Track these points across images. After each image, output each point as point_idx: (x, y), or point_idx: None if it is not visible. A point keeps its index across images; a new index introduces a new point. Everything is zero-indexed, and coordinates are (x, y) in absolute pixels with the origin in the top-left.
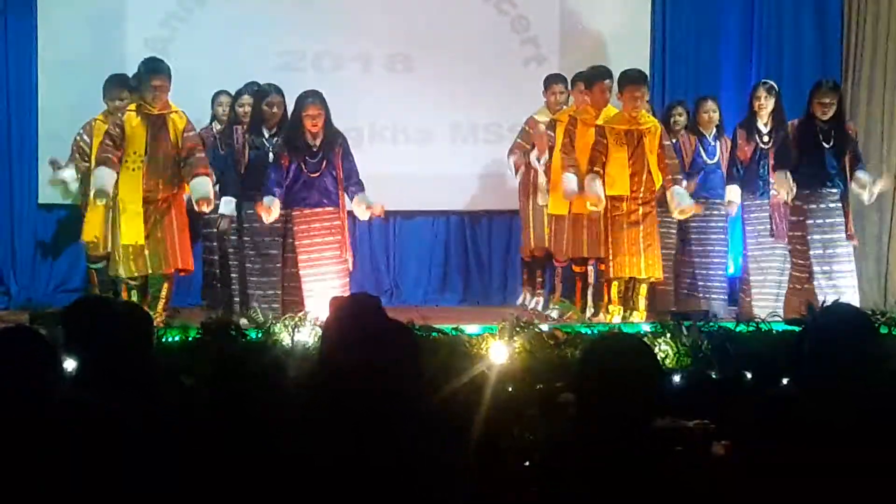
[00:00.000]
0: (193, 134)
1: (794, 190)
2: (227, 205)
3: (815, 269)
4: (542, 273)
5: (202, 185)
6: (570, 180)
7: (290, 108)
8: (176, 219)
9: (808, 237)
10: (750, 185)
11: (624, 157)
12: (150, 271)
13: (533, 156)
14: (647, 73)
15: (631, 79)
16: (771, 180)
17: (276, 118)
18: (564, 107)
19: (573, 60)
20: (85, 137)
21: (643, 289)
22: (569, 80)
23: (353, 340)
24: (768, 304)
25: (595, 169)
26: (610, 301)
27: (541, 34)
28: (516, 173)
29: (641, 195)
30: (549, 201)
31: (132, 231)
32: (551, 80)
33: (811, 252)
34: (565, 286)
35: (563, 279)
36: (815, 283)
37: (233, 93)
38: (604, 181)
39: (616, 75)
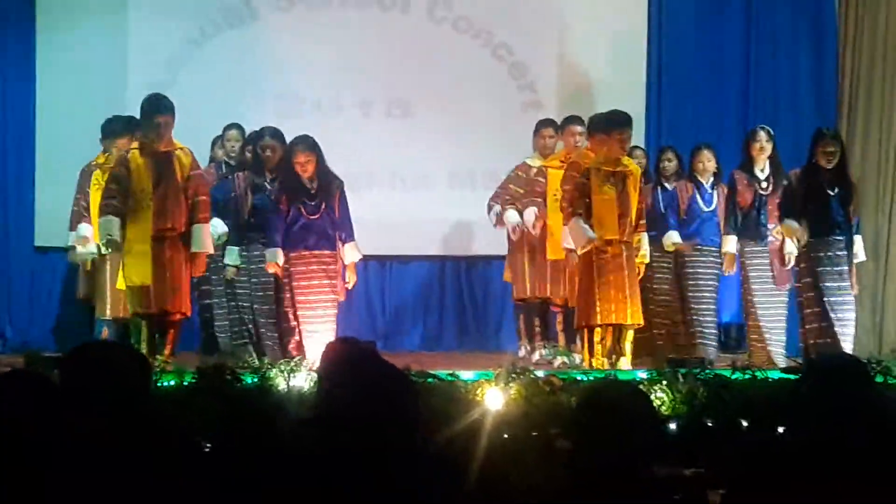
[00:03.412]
0: (198, 174)
1: (805, 237)
2: (231, 254)
3: (832, 316)
4: (541, 320)
5: (201, 235)
6: (585, 228)
7: None
8: (184, 260)
9: (822, 285)
10: (750, 231)
11: (612, 199)
12: (155, 310)
13: (528, 217)
14: (644, 116)
15: (619, 122)
16: (770, 226)
17: (273, 162)
18: (554, 152)
19: (571, 105)
20: (81, 202)
21: (630, 335)
22: (558, 123)
23: (351, 386)
24: (780, 350)
25: (579, 212)
26: (591, 349)
27: (538, 80)
28: (497, 225)
29: (626, 238)
30: (547, 246)
31: (138, 271)
32: (541, 125)
33: (828, 299)
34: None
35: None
36: (837, 329)
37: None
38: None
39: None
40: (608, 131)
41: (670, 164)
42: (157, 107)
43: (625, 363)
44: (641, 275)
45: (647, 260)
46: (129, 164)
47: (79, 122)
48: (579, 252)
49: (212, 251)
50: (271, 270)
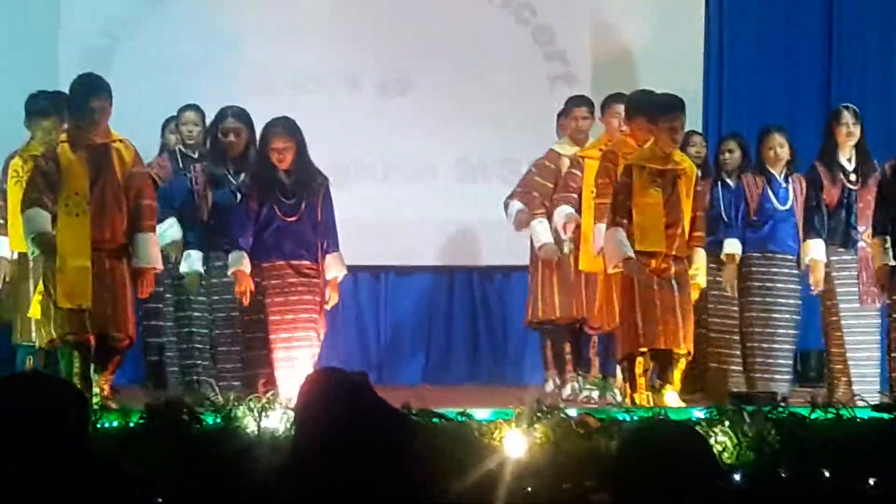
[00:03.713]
0: (141, 171)
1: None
2: (188, 259)
3: None
4: (572, 346)
5: (146, 247)
6: (624, 243)
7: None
8: (127, 276)
9: None
10: (835, 236)
11: (658, 204)
12: (90, 333)
13: (558, 219)
14: (701, 96)
15: (667, 106)
16: (860, 228)
17: (237, 149)
18: (588, 137)
19: (609, 80)
20: None
21: (681, 364)
22: (594, 103)
23: (334, 427)
24: (872, 386)
25: (621, 220)
26: (633, 382)
27: (569, 47)
28: (521, 227)
29: (675, 251)
30: (580, 255)
31: (77, 291)
32: (573, 103)
33: None
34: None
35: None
36: None
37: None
38: (629, 234)
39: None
40: (654, 118)
41: (732, 157)
42: (91, 88)
43: (672, 397)
44: (694, 299)
45: (703, 284)
46: (59, 160)
47: (3, 100)
48: (610, 271)
49: (160, 267)
50: (239, 285)
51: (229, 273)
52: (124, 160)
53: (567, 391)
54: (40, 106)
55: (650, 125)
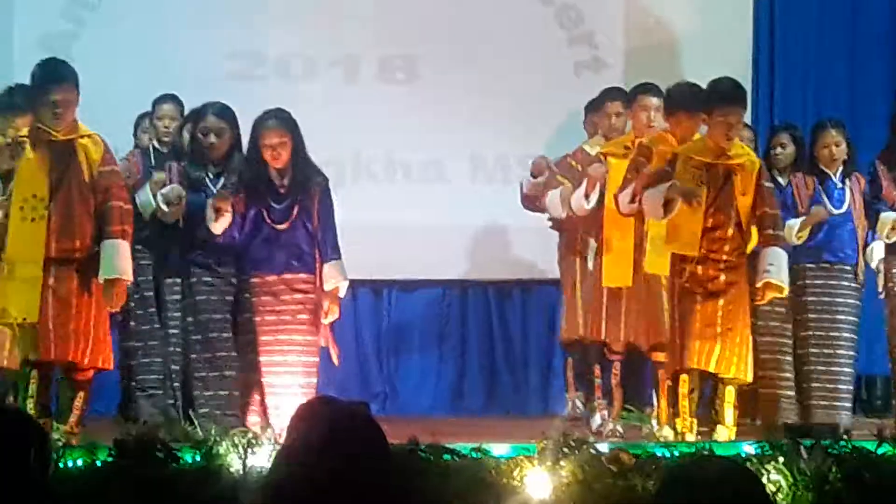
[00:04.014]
0: (111, 170)
1: None
2: (170, 191)
3: None
4: (599, 368)
5: (115, 255)
6: (654, 194)
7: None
8: (94, 292)
9: None
10: None
11: (700, 204)
12: (48, 359)
13: (577, 195)
14: (750, 86)
15: (724, 95)
16: None
17: (218, 151)
18: (623, 134)
19: (644, 67)
20: None
21: (730, 393)
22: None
23: (330, 467)
24: None
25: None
26: (676, 405)
27: (598, 30)
28: (530, 191)
29: (725, 257)
30: (602, 268)
31: (20, 302)
32: (606, 96)
33: None
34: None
35: (622, 377)
36: None
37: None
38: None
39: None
40: (709, 108)
41: (784, 152)
42: (53, 76)
43: (724, 432)
44: (763, 300)
45: (782, 283)
46: (14, 158)
47: None
48: (662, 219)
49: (130, 277)
50: (219, 227)
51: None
52: (91, 158)
53: (596, 421)
54: (16, 100)
55: (692, 118)
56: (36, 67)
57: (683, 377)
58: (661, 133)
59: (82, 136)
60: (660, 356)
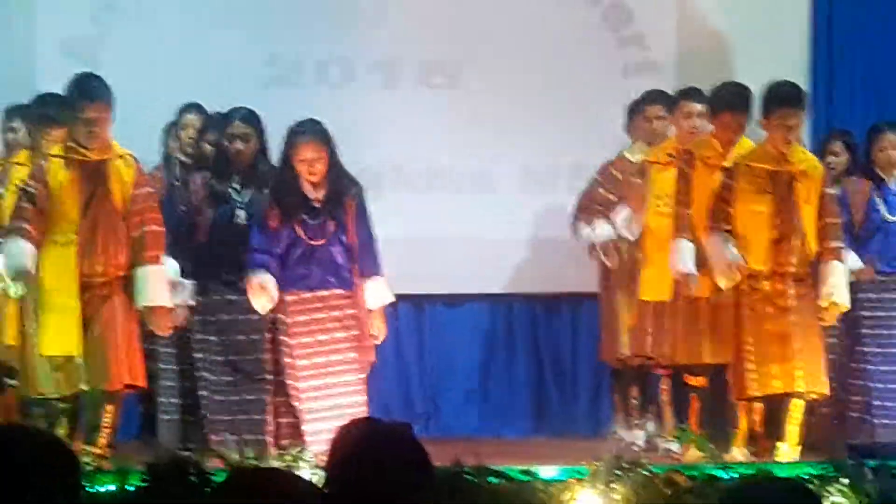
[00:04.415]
0: (146, 192)
1: None
2: (182, 291)
3: None
4: (644, 389)
5: (151, 282)
6: (684, 250)
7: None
8: (124, 314)
9: None
10: None
11: (765, 212)
12: (84, 388)
13: (620, 219)
14: (807, 90)
15: (783, 97)
16: None
17: (245, 158)
18: (666, 139)
19: (698, 69)
20: None
21: (798, 409)
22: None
23: (373, 490)
24: None
25: (722, 227)
26: (751, 432)
27: (649, 31)
28: (592, 252)
29: (794, 269)
30: (642, 282)
31: (61, 336)
32: (647, 101)
33: None
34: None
35: (673, 396)
36: None
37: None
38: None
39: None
40: (767, 112)
41: (837, 160)
42: (87, 93)
43: (787, 451)
44: (829, 321)
45: (845, 303)
46: (47, 179)
47: None
48: (724, 286)
49: (169, 304)
50: (252, 296)
51: (249, 288)
52: (123, 180)
53: (640, 439)
54: (49, 111)
55: (736, 119)
56: (70, 82)
57: (756, 404)
58: (707, 138)
59: (116, 157)
60: (692, 379)
